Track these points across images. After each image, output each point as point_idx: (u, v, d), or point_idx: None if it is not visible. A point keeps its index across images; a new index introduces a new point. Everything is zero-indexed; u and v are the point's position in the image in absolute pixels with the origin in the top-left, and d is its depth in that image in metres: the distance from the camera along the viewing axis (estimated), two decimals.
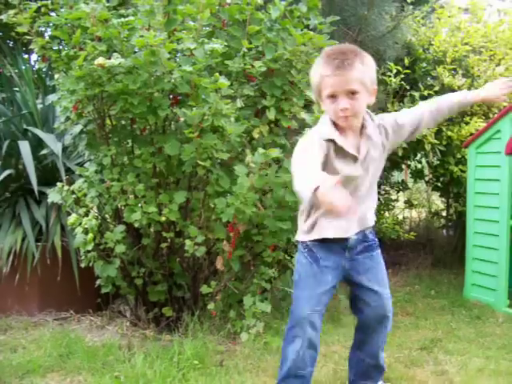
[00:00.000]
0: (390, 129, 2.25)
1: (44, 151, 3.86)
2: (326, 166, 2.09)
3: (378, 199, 5.66)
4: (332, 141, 2.10)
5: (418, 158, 5.57)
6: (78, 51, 3.03)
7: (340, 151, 2.12)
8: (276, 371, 2.69)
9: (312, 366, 2.29)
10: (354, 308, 2.41)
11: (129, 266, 3.30)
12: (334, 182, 1.71)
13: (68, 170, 3.81)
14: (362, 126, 2.17)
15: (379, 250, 2.36)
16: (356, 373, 2.49)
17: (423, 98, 4.78)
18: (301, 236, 2.30)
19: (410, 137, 2.36)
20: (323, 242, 2.23)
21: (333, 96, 2.07)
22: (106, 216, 3.44)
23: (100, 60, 2.81)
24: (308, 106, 3.31)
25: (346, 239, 2.24)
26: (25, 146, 3.73)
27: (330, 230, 2.20)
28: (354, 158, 2.15)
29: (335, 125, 2.14)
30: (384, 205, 5.66)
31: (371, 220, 2.31)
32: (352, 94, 2.05)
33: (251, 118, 3.18)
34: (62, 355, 2.93)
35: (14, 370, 2.75)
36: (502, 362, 2.92)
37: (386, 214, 5.68)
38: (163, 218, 3.01)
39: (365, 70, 2.07)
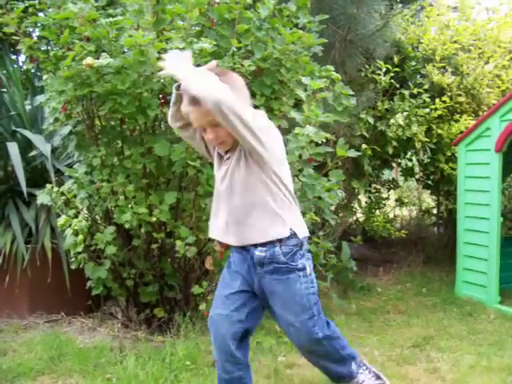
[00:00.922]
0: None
1: (33, 153, 3.84)
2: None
3: (369, 197, 5.68)
4: None
5: (408, 156, 5.59)
6: (66, 51, 3.01)
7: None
8: (270, 371, 2.70)
9: (236, 371, 2.13)
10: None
11: (120, 268, 3.28)
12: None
13: (57, 172, 3.79)
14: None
15: (293, 275, 2.06)
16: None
17: (413, 96, 4.80)
18: None
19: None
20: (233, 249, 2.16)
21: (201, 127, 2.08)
22: (96, 217, 3.42)
23: (88, 60, 2.79)
24: (298, 104, 3.31)
25: (252, 253, 2.07)
26: (13, 148, 3.70)
27: (212, 230, 2.16)
28: (221, 158, 2.14)
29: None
30: (375, 203, 5.67)
31: (256, 237, 2.05)
32: (214, 125, 1.98)
33: None
34: (53, 358, 2.91)
35: (4, 373, 2.72)
36: (493, 359, 2.93)
37: (377, 212, 5.69)
38: (154, 219, 3.00)
39: None
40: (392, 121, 4.68)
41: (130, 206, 3.02)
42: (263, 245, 2.04)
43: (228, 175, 2.06)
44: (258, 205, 2.02)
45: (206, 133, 2.03)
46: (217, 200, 2.14)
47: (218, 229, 2.12)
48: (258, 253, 2.05)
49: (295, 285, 2.08)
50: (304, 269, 2.09)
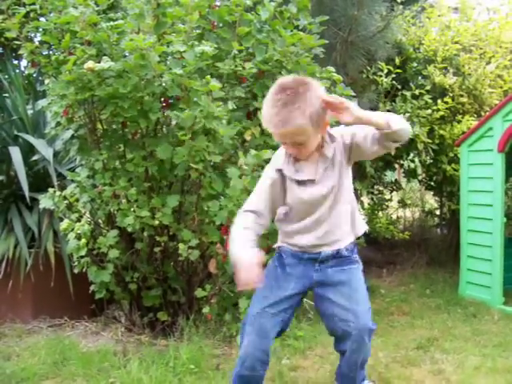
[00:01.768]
0: (348, 144, 2.13)
1: (35, 157, 3.84)
2: (287, 192, 2.14)
3: (371, 199, 5.67)
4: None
5: (410, 157, 5.58)
6: (67, 56, 3.02)
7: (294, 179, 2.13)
8: (274, 374, 2.69)
9: (262, 370, 2.18)
10: (325, 324, 2.30)
11: (123, 271, 3.28)
12: (250, 262, 1.88)
13: (60, 176, 3.79)
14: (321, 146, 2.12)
15: (355, 266, 2.22)
16: (337, 373, 2.39)
17: (415, 97, 4.80)
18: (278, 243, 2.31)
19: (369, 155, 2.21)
20: (294, 251, 2.22)
21: (282, 142, 2.08)
22: (99, 221, 3.42)
23: (89, 64, 2.80)
24: None
25: (318, 252, 2.18)
26: (16, 152, 3.70)
27: (298, 245, 2.21)
28: (312, 181, 2.12)
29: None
30: (378, 205, 5.66)
31: (340, 238, 2.19)
32: (298, 144, 2.03)
33: (243, 119, 3.17)
34: (57, 362, 2.91)
35: (7, 378, 2.72)
36: (498, 360, 2.92)
37: (380, 213, 5.68)
38: (156, 222, 3.00)
39: (309, 117, 1.94)
40: None
41: (132, 209, 3.02)
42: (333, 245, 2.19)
43: (331, 190, 2.13)
44: (345, 212, 2.20)
45: (290, 148, 2.07)
46: (309, 214, 2.16)
47: (313, 240, 2.18)
48: (326, 250, 2.18)
49: (358, 274, 2.22)
50: (359, 262, 2.25)
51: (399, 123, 1.95)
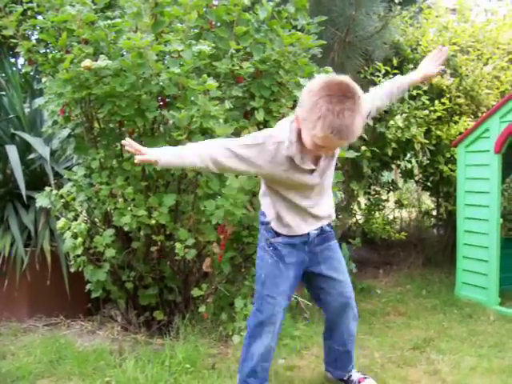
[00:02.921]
0: None
1: (32, 155, 3.83)
2: (274, 168, 2.16)
3: (368, 199, 5.67)
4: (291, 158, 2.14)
5: (407, 157, 5.58)
6: (64, 54, 3.01)
7: (297, 166, 2.16)
8: (270, 373, 2.68)
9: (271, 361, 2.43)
10: (318, 300, 2.53)
11: (119, 270, 3.28)
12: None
13: (56, 174, 3.78)
14: None
15: (335, 240, 2.47)
16: (328, 361, 2.62)
17: (412, 97, 4.80)
18: (270, 222, 2.35)
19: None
20: (286, 239, 2.33)
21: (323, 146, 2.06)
22: (96, 220, 3.41)
23: (86, 62, 2.79)
24: (296, 106, 3.30)
25: (307, 234, 2.35)
26: (12, 151, 3.69)
27: (295, 228, 2.32)
28: (312, 171, 2.20)
29: (299, 140, 2.12)
30: (374, 205, 5.66)
31: (328, 214, 2.41)
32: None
33: (240, 119, 3.16)
34: (53, 361, 2.90)
35: (3, 377, 2.71)
36: (494, 360, 2.92)
37: (377, 214, 5.68)
38: (153, 221, 2.99)
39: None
40: (391, 122, 4.67)
41: (129, 208, 3.01)
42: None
43: (323, 177, 2.25)
44: (329, 193, 2.41)
45: (323, 150, 2.09)
46: (306, 199, 2.29)
47: (310, 222, 2.34)
48: (313, 231, 2.36)
49: (338, 247, 2.47)
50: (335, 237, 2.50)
51: None
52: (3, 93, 4.32)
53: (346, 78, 2.01)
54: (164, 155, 2.14)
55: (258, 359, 2.34)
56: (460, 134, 4.57)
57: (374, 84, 4.68)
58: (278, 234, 2.33)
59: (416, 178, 5.99)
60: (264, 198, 2.37)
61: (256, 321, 2.32)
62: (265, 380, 2.40)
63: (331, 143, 2.01)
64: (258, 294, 2.35)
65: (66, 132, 3.37)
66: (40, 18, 3.19)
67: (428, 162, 5.18)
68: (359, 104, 1.95)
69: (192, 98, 2.88)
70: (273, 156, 2.12)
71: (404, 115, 4.69)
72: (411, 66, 4.96)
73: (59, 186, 3.42)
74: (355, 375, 2.58)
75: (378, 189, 5.93)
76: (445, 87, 4.83)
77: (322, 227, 2.38)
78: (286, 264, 2.32)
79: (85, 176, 3.24)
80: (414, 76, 2.57)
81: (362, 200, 5.77)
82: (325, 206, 2.38)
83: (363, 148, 4.40)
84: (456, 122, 4.79)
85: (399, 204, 6.25)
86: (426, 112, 4.73)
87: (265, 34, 3.15)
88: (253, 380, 2.36)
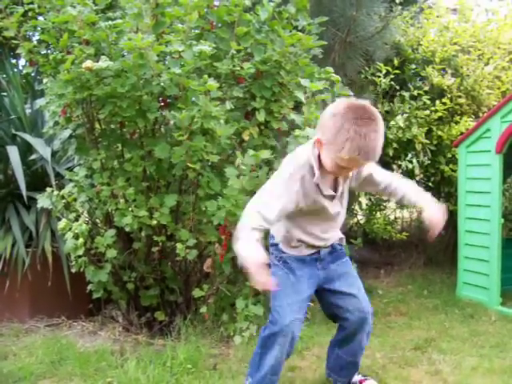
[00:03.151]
0: (362, 177, 2.36)
1: (33, 156, 3.83)
2: (307, 197, 2.20)
3: (369, 199, 5.67)
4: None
5: (408, 157, 5.57)
6: (65, 55, 3.01)
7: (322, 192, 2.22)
8: None
9: (279, 374, 2.37)
10: (335, 316, 2.49)
11: (120, 271, 3.28)
12: (258, 263, 1.94)
13: (58, 175, 3.78)
14: None
15: (347, 258, 2.49)
16: (333, 368, 2.60)
17: (413, 98, 4.80)
18: (279, 244, 2.38)
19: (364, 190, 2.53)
20: (297, 255, 2.35)
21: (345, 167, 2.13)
22: (97, 220, 3.42)
23: (88, 63, 2.79)
24: (298, 107, 3.30)
25: (318, 252, 2.37)
26: (13, 152, 3.69)
27: (302, 250, 2.35)
28: (332, 197, 2.25)
29: (319, 163, 2.18)
30: (375, 205, 5.66)
31: (339, 237, 2.44)
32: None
33: (241, 119, 3.17)
34: (54, 362, 2.90)
35: (4, 377, 2.71)
36: (495, 361, 2.92)
37: (378, 214, 5.67)
38: (154, 222, 2.99)
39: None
40: (392, 123, 4.67)
41: (130, 209, 3.01)
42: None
43: (343, 202, 2.33)
44: (342, 216, 2.41)
45: (344, 171, 2.17)
46: (323, 220, 2.33)
47: (324, 239, 2.36)
48: (325, 249, 2.38)
49: (351, 264, 2.49)
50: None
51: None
52: (4, 94, 4.33)
53: (367, 102, 2.11)
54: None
55: (267, 371, 2.31)
56: (461, 134, 4.57)
57: (375, 84, 4.69)
58: (288, 250, 2.36)
59: (417, 179, 5.97)
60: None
61: (268, 332, 2.30)
62: None
63: (356, 164, 2.11)
64: (272, 307, 2.35)
65: (67, 133, 3.37)
66: (41, 18, 3.19)
67: (429, 162, 5.17)
68: (382, 126, 2.07)
69: (193, 99, 2.88)
70: (303, 190, 2.18)
71: (405, 115, 4.69)
72: (412, 65, 4.97)
73: (60, 187, 3.42)
74: (356, 377, 2.58)
75: None
76: (446, 87, 4.83)
77: (332, 245, 2.40)
78: (296, 276, 2.32)
79: (86, 177, 3.25)
80: (419, 202, 2.58)
81: (364, 200, 5.77)
82: (337, 230, 2.42)
83: None
84: (457, 122, 4.79)
85: (400, 204, 6.23)
86: (427, 112, 4.73)
87: (266, 35, 3.15)
88: None
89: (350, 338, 2.47)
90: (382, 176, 2.42)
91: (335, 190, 2.26)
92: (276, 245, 2.39)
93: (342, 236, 2.46)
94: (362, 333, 2.44)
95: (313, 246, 2.35)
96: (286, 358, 2.36)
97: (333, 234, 2.39)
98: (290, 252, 2.35)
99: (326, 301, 2.47)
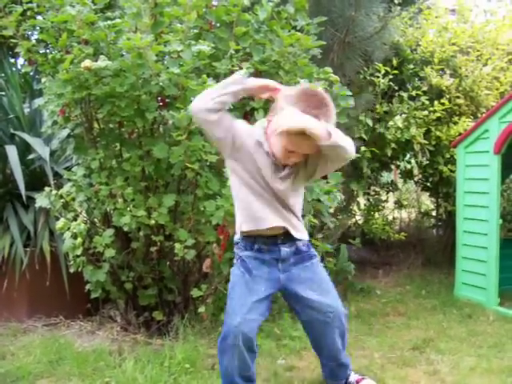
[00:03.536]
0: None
1: (31, 156, 3.83)
2: (248, 159, 2.21)
3: (368, 200, 5.68)
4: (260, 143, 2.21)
5: (407, 158, 5.58)
6: (64, 54, 3.01)
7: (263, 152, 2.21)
8: (269, 374, 2.69)
9: (249, 371, 2.28)
10: (299, 319, 2.46)
11: (118, 271, 3.27)
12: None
13: (56, 175, 3.78)
14: None
15: (315, 260, 2.38)
16: (325, 374, 2.57)
17: (411, 98, 4.81)
18: (239, 242, 2.35)
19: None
20: (255, 253, 2.29)
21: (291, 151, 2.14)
22: (95, 220, 3.41)
23: (86, 63, 2.79)
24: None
25: (278, 250, 2.28)
26: (12, 151, 3.69)
27: (250, 223, 2.26)
28: (276, 169, 2.21)
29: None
30: (374, 205, 5.66)
31: (295, 231, 2.30)
32: (304, 154, 2.17)
33: (240, 119, 3.16)
34: (52, 361, 2.90)
35: (2, 377, 2.71)
36: (493, 361, 2.92)
37: (376, 214, 5.68)
38: (152, 222, 2.99)
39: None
40: (391, 123, 4.68)
41: (128, 208, 3.01)
42: (290, 242, 2.29)
43: (290, 179, 2.23)
44: (297, 208, 2.32)
45: (290, 155, 2.16)
46: (265, 193, 2.24)
47: (271, 217, 2.24)
48: (285, 248, 2.28)
49: (319, 267, 2.39)
50: (316, 255, 2.41)
51: (340, 139, 2.08)
52: (3, 93, 4.32)
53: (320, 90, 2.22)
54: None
55: (224, 378, 2.28)
56: (459, 134, 4.57)
57: (374, 84, 4.69)
58: (246, 248, 2.30)
59: (415, 179, 5.99)
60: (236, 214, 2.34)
61: (222, 335, 2.25)
62: None
63: (294, 144, 2.10)
64: (226, 307, 2.31)
65: (65, 132, 3.37)
66: (40, 18, 3.19)
67: (427, 162, 5.18)
68: (329, 109, 2.10)
69: (192, 99, 2.87)
70: (246, 136, 2.22)
71: (403, 116, 4.70)
72: (411, 66, 4.98)
73: (59, 187, 3.42)
74: (353, 377, 2.56)
75: (377, 189, 5.93)
76: (444, 88, 4.83)
77: (296, 246, 2.31)
78: (253, 276, 2.26)
79: (84, 176, 3.24)
80: None
81: (362, 200, 5.77)
82: (288, 217, 2.29)
83: (363, 148, 4.40)
84: (455, 123, 4.80)
85: (399, 204, 6.24)
86: (426, 113, 4.74)
87: (264, 35, 3.15)
88: None
89: (321, 342, 2.43)
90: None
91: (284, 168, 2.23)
92: (237, 243, 2.35)
93: (304, 237, 2.35)
94: (328, 337, 2.38)
95: (265, 238, 2.27)
96: (251, 362, 2.26)
97: (282, 223, 2.25)
98: (248, 251, 2.29)
99: (290, 303, 2.43)
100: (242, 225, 2.28)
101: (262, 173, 2.20)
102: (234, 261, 2.36)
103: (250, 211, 2.25)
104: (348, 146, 2.11)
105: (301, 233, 2.34)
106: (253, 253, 2.29)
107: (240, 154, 2.21)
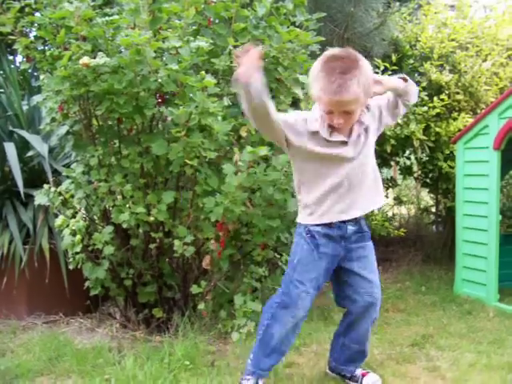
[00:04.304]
0: (384, 111, 2.40)
1: (30, 153, 3.82)
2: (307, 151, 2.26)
3: None
4: (317, 132, 2.24)
5: (406, 154, 5.58)
6: (62, 51, 3.01)
7: (326, 141, 2.25)
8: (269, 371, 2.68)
9: (291, 343, 2.48)
10: (343, 297, 2.51)
11: (118, 268, 3.27)
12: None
13: (55, 172, 3.77)
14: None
15: (371, 241, 2.49)
16: (338, 358, 2.61)
17: None
18: (302, 218, 2.39)
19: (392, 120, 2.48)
20: (325, 229, 2.34)
21: (330, 111, 2.17)
22: (94, 217, 3.41)
23: (85, 59, 2.78)
24: (295, 103, 3.30)
25: (345, 228, 2.35)
26: (10, 148, 3.68)
27: (329, 214, 2.32)
28: (344, 142, 2.25)
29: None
30: None
31: (368, 207, 2.43)
32: (348, 112, 2.16)
33: (238, 116, 3.16)
34: (52, 359, 2.90)
35: (1, 374, 2.71)
36: (493, 357, 2.92)
37: (376, 211, 5.68)
38: (152, 219, 2.99)
39: (363, 85, 2.10)
40: None
41: (127, 205, 3.01)
42: (355, 220, 2.38)
43: (359, 154, 2.29)
44: (372, 177, 2.39)
45: (335, 118, 2.17)
46: (341, 179, 2.29)
47: (345, 206, 2.32)
48: (350, 227, 2.37)
49: (373, 249, 2.51)
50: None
51: (412, 83, 2.33)
52: (1, 90, 4.31)
53: (345, 48, 2.23)
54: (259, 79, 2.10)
55: (276, 344, 2.36)
56: (459, 130, 4.56)
57: None
58: (317, 224, 2.35)
59: (415, 175, 5.99)
60: (300, 189, 2.39)
61: (281, 303, 2.35)
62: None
63: (328, 105, 2.13)
64: (288, 277, 2.38)
65: (64, 129, 3.36)
66: (38, 14, 3.18)
67: (427, 158, 5.17)
68: (354, 64, 2.10)
69: (190, 95, 2.87)
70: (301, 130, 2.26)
71: None
72: (410, 61, 4.97)
73: (58, 184, 3.41)
74: (357, 371, 2.60)
75: None
76: (444, 83, 4.82)
77: (360, 224, 2.41)
78: (320, 253, 2.34)
79: (83, 173, 3.24)
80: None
81: None
82: (363, 196, 2.35)
83: None
84: (455, 119, 4.79)
85: (398, 201, 6.25)
86: (425, 108, 4.72)
87: (263, 31, 3.14)
88: (267, 361, 2.40)
89: (356, 324, 2.50)
90: (384, 98, 2.41)
91: (349, 135, 2.26)
92: (306, 209, 2.38)
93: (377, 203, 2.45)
94: (368, 319, 2.48)
95: (338, 213, 2.32)
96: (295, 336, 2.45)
97: (355, 200, 2.33)
98: (319, 226, 2.34)
99: (339, 279, 2.48)
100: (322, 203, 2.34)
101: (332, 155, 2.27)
102: (301, 231, 2.40)
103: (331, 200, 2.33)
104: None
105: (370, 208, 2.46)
106: (323, 228, 2.34)
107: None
